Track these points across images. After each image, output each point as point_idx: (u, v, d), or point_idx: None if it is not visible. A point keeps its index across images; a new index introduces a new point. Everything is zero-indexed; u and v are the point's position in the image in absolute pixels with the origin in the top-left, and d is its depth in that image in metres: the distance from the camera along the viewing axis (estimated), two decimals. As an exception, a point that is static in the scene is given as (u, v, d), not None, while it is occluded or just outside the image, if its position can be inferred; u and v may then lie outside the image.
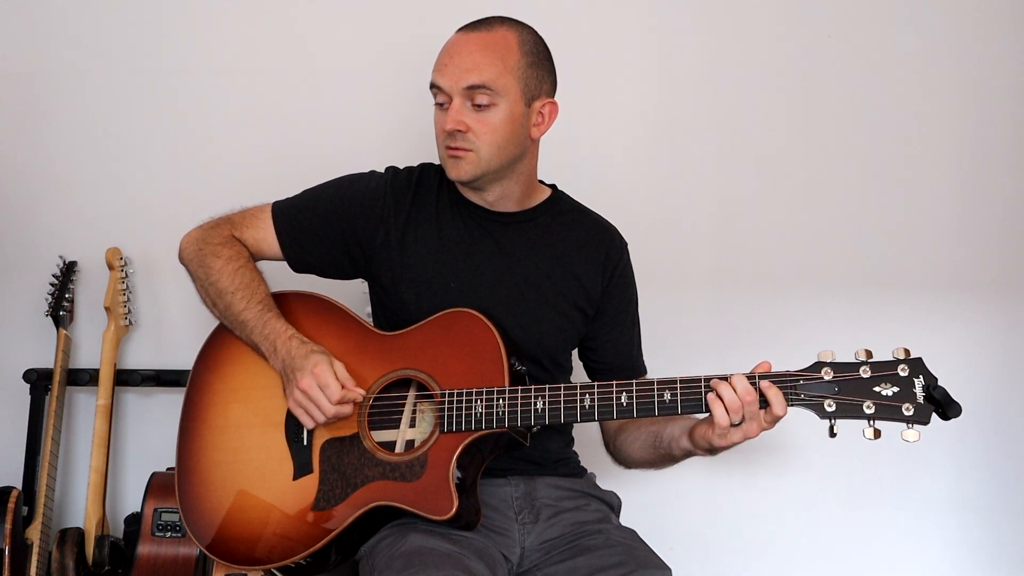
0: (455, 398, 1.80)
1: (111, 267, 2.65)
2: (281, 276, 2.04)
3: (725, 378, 1.70)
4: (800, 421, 1.75)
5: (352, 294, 2.21)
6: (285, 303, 1.97)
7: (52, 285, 2.65)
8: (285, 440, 1.90)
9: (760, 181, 2.74)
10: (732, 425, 1.70)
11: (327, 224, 1.98)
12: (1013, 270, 2.73)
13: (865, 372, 1.66)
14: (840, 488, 2.70)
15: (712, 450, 1.79)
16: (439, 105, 1.91)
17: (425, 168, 2.04)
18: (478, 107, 1.87)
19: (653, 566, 1.80)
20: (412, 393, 1.89)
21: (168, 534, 2.46)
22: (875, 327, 2.66)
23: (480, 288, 1.94)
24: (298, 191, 2.04)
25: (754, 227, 2.74)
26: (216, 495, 1.90)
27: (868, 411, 1.64)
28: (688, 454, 1.87)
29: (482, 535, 1.87)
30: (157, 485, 2.48)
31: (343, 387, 1.81)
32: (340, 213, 1.98)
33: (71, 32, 2.76)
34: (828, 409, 1.66)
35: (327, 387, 1.80)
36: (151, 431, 2.73)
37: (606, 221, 2.09)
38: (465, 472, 1.80)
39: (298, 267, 2.03)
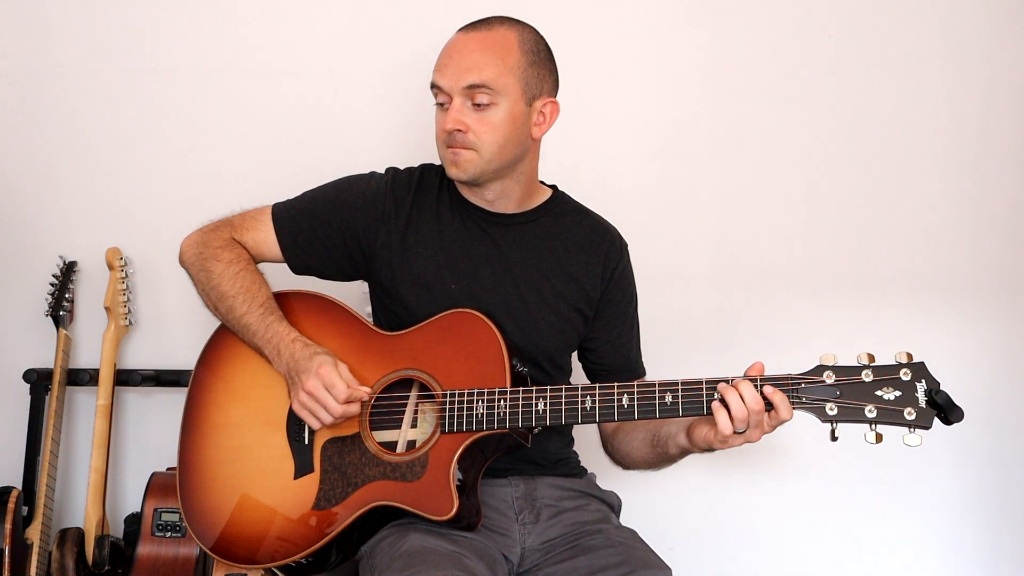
0: (456, 399, 1.80)
1: (111, 267, 2.65)
2: (281, 277, 2.04)
3: (728, 381, 1.69)
4: (802, 424, 1.75)
5: (352, 294, 2.21)
6: (286, 303, 1.97)
7: (52, 285, 2.64)
8: (286, 439, 1.90)
9: (761, 181, 2.74)
10: (735, 432, 1.69)
11: (327, 226, 1.98)
12: (1014, 271, 2.73)
13: (867, 376, 1.65)
14: (841, 490, 2.70)
15: (710, 449, 1.79)
16: (439, 105, 1.91)
17: (425, 169, 2.04)
18: (478, 106, 1.87)
19: (653, 566, 1.80)
20: (414, 393, 1.89)
21: (168, 534, 2.46)
22: (875, 327, 2.66)
23: (480, 289, 1.94)
24: (298, 192, 2.03)
25: (754, 227, 2.74)
26: (218, 494, 1.90)
27: (870, 415, 1.64)
28: (685, 452, 1.87)
29: (482, 535, 1.87)
30: (157, 485, 2.48)
31: (348, 387, 1.81)
32: (340, 215, 1.97)
33: (71, 32, 2.75)
34: (830, 413, 1.65)
35: (333, 387, 1.80)
36: (151, 431, 2.73)
37: (606, 222, 2.09)
38: (466, 473, 1.80)
39: (298, 269, 2.03)
